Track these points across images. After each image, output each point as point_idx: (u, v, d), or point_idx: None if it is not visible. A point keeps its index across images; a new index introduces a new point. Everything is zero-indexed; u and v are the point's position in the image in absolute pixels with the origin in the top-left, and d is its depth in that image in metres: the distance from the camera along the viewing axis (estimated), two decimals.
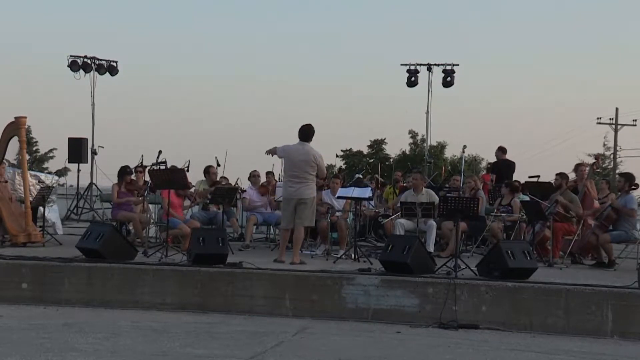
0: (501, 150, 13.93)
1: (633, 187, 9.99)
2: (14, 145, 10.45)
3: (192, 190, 10.88)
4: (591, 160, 17.23)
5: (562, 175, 10.68)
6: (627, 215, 9.68)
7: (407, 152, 47.66)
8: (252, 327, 7.03)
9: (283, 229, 9.24)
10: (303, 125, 9.04)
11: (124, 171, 10.79)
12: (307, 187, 8.94)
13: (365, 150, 50.50)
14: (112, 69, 18.45)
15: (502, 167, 13.73)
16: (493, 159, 14.64)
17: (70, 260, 8.25)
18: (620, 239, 9.80)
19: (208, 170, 11.70)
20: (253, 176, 11.99)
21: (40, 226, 10.48)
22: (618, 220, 9.77)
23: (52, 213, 11.92)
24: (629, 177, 10.05)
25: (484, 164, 44.25)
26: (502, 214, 10.88)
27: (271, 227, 12.38)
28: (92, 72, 18.10)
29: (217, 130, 71.10)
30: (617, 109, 39.23)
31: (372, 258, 9.28)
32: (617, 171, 38.34)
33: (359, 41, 71.73)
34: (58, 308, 7.76)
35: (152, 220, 10.85)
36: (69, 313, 7.52)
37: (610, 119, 39.52)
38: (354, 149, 50.16)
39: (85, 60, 18.04)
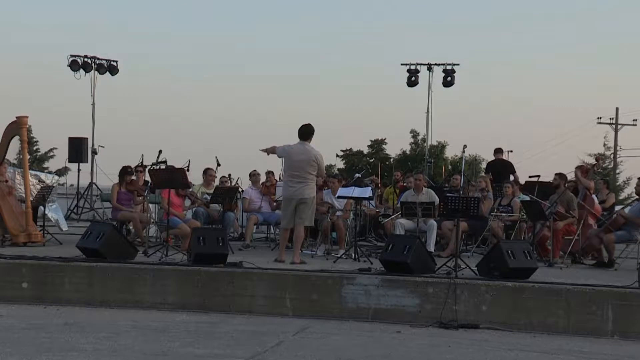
0: (496, 151, 13.95)
1: None
2: (14, 145, 10.45)
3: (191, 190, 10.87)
4: (592, 161, 17.24)
5: (560, 176, 10.69)
6: (633, 223, 9.64)
7: (408, 152, 47.64)
8: (252, 326, 7.04)
9: (283, 228, 9.25)
10: (303, 125, 9.04)
11: (124, 171, 10.79)
12: (308, 187, 8.93)
13: (366, 150, 50.50)
14: (112, 69, 18.45)
15: (498, 166, 13.73)
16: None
17: (71, 260, 8.25)
18: (623, 239, 9.81)
19: (206, 173, 11.68)
20: (253, 175, 11.98)
21: (40, 226, 10.48)
22: (625, 224, 9.75)
23: (54, 212, 11.92)
24: None
25: (484, 165, 44.26)
26: (502, 214, 10.90)
27: (271, 226, 12.37)
28: (92, 71, 18.10)
29: (218, 130, 71.15)
30: (617, 109, 39.21)
31: (372, 258, 9.29)
32: (617, 171, 38.40)
33: (359, 41, 71.76)
34: (58, 307, 7.76)
35: (152, 220, 10.84)
36: (69, 313, 7.52)
37: (610, 118, 39.49)
38: (354, 149, 50.17)
39: (86, 59, 18.04)
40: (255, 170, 12.12)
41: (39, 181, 11.81)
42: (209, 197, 10.91)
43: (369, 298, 7.61)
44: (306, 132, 9.01)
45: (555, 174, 10.83)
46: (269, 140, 9.16)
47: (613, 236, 9.72)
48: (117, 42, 62.63)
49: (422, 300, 7.51)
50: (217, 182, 11.98)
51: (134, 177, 10.97)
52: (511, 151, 15.67)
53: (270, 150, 9.16)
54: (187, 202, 10.98)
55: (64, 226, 12.00)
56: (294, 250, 8.97)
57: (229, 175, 12.56)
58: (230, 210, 11.19)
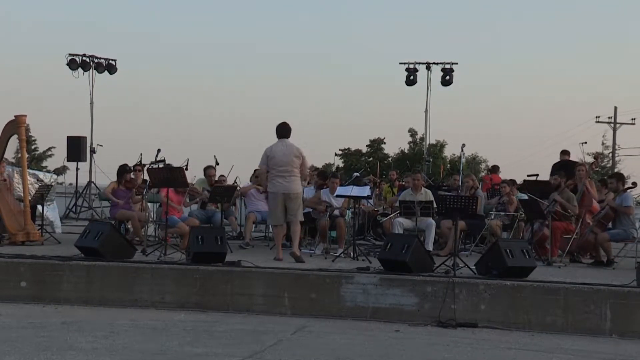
0: (563, 152, 13.30)
1: (631, 186, 10.01)
2: (13, 144, 10.43)
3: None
4: (590, 160, 17.23)
5: (560, 174, 10.68)
6: (623, 213, 9.70)
7: (406, 151, 47.67)
8: (250, 325, 7.03)
9: (274, 225, 9.31)
10: (280, 124, 9.23)
11: (122, 170, 10.79)
12: (293, 182, 9.09)
13: (364, 149, 50.53)
14: (110, 68, 18.46)
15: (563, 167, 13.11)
16: (492, 158, 14.60)
17: (69, 259, 8.24)
18: (619, 237, 9.83)
19: (206, 171, 11.72)
20: (256, 176, 11.95)
21: (39, 225, 10.47)
22: (616, 219, 9.80)
23: (51, 211, 11.90)
24: (619, 177, 10.16)
25: (483, 165, 44.32)
26: (500, 213, 10.90)
27: (270, 225, 12.34)
28: (90, 70, 18.13)
29: (217, 129, 71.13)
30: (615, 108, 39.34)
31: (370, 257, 9.28)
32: (616, 170, 38.42)
33: (358, 40, 71.75)
34: (57, 306, 7.75)
35: (150, 219, 10.84)
36: (68, 312, 7.51)
37: (609, 117, 39.61)
38: (353, 148, 50.21)
39: (84, 58, 18.06)
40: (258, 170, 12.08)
41: (37, 180, 11.79)
42: (208, 194, 10.91)
43: (368, 297, 7.61)
44: (285, 130, 9.21)
45: (555, 173, 10.83)
46: (268, 140, 9.10)
47: (607, 235, 9.74)
48: (115, 40, 62.66)
49: (421, 299, 7.50)
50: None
51: (132, 176, 10.97)
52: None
53: (263, 179, 9.58)
54: (187, 200, 10.97)
55: (58, 229, 11.93)
56: (293, 244, 9.06)
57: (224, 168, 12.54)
58: (225, 210, 11.17)
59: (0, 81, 68.46)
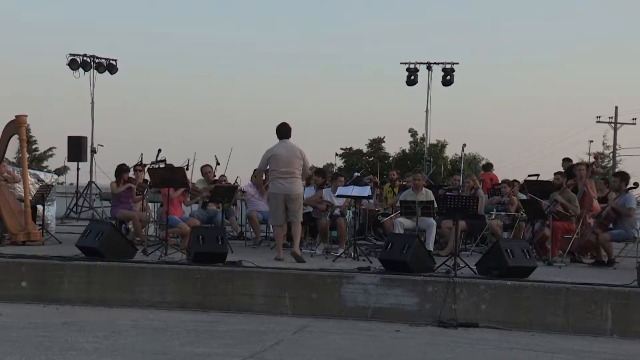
0: (565, 160, 13.31)
1: (633, 186, 9.99)
2: (14, 144, 10.44)
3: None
4: (590, 160, 17.24)
5: (562, 174, 10.68)
6: (625, 215, 9.68)
7: (407, 151, 47.65)
8: (251, 325, 7.03)
9: (274, 225, 9.31)
10: (280, 125, 9.19)
11: (120, 169, 10.78)
12: (295, 184, 9.09)
13: (365, 149, 50.50)
14: (111, 68, 18.46)
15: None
16: (493, 158, 14.58)
17: (70, 259, 8.25)
18: (620, 237, 9.82)
19: (202, 170, 11.74)
20: (255, 176, 11.94)
21: (39, 225, 10.47)
22: (618, 219, 9.79)
23: (48, 212, 11.88)
24: (624, 177, 10.05)
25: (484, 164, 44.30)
26: (501, 213, 10.89)
27: (271, 225, 12.33)
28: (91, 70, 18.14)
29: (217, 129, 71.14)
30: (616, 108, 39.34)
31: (371, 257, 9.28)
32: (617, 170, 38.39)
33: (358, 40, 71.75)
34: (58, 307, 7.76)
35: (151, 219, 10.84)
36: (69, 312, 7.52)
37: (609, 117, 39.60)
38: (354, 148, 50.17)
39: (85, 58, 18.06)
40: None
41: (38, 180, 11.79)
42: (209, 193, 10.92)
43: (369, 297, 7.61)
44: (285, 130, 9.18)
45: (556, 173, 10.82)
46: (269, 140, 9.12)
47: (608, 235, 9.73)
48: (116, 40, 62.71)
49: (422, 299, 7.50)
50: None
51: (131, 175, 10.96)
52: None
53: (259, 178, 9.98)
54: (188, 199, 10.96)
55: (53, 230, 11.83)
56: (294, 244, 9.08)
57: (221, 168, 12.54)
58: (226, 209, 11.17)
59: (1, 81, 68.55)
